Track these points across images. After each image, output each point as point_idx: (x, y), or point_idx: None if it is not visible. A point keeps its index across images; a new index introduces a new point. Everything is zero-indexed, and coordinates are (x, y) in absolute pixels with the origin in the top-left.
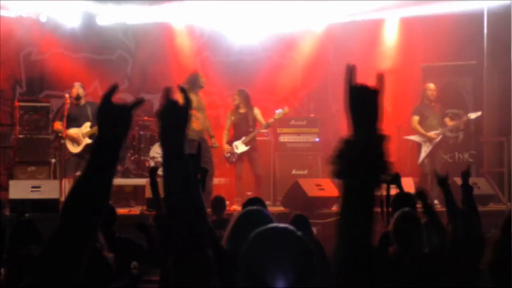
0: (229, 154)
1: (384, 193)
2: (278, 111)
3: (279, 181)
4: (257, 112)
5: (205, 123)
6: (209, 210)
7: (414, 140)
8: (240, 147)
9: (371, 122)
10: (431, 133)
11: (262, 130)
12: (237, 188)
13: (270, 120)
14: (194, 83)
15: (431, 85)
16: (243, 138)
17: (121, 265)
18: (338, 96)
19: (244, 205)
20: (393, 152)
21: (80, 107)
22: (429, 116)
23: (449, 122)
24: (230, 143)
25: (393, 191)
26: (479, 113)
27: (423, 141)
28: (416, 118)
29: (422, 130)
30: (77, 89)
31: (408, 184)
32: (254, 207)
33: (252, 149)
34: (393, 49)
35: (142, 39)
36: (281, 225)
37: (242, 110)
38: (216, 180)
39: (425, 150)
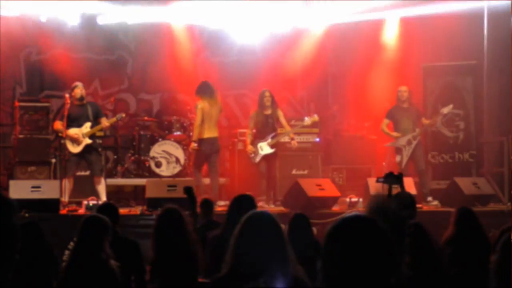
0: (253, 155)
1: (386, 193)
2: (307, 119)
3: (279, 181)
4: (280, 113)
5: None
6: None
7: (394, 146)
8: (265, 148)
9: None
10: (394, 133)
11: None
12: (260, 187)
13: (297, 127)
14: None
15: (403, 87)
16: (269, 140)
17: (123, 267)
18: (338, 96)
19: (234, 202)
20: (394, 152)
21: (80, 107)
22: (401, 119)
23: (425, 121)
24: (253, 143)
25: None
26: (450, 106)
27: (402, 145)
28: (385, 121)
29: (389, 132)
30: (81, 89)
31: (409, 184)
32: (260, 210)
33: (275, 151)
34: (393, 49)
35: (142, 39)
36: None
37: (268, 112)
38: None
39: (406, 154)
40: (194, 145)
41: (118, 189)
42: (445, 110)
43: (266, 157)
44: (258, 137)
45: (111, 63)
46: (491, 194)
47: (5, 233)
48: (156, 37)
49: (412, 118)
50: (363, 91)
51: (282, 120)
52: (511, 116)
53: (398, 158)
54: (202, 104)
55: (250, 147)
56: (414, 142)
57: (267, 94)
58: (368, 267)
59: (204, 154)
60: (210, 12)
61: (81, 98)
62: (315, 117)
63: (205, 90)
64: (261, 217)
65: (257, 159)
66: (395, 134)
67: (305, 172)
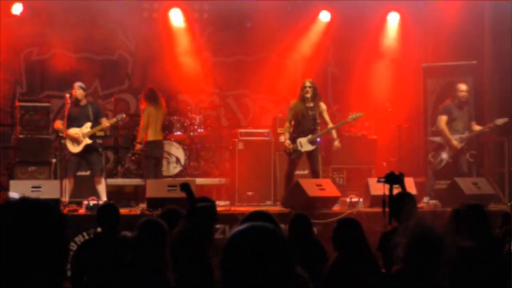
0: (292, 151)
1: (387, 193)
2: (352, 115)
3: (279, 181)
4: (324, 107)
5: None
6: None
7: (438, 141)
8: (305, 145)
9: None
10: (455, 142)
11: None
12: (286, 188)
13: (342, 122)
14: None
15: (463, 86)
16: (310, 136)
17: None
18: (338, 96)
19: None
20: (394, 152)
21: (81, 107)
22: (457, 119)
23: (475, 127)
24: (293, 139)
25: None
26: (506, 119)
27: (446, 142)
28: (444, 118)
29: (449, 135)
30: (76, 91)
31: (409, 184)
32: (259, 210)
33: (317, 147)
34: (393, 49)
35: (142, 39)
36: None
37: (309, 104)
38: (216, 180)
39: (449, 155)
40: (140, 146)
41: (119, 189)
42: (500, 121)
43: (308, 155)
44: (297, 131)
45: (112, 63)
46: (491, 194)
47: (58, 246)
48: (157, 37)
49: (465, 120)
50: (363, 91)
51: (325, 115)
52: (511, 116)
53: (443, 155)
54: (149, 109)
55: (288, 142)
56: (461, 145)
57: (307, 84)
58: (266, 276)
59: (153, 157)
60: (211, 12)
61: (77, 100)
62: (361, 114)
63: (151, 96)
64: (260, 216)
65: (296, 157)
66: (455, 142)
67: (306, 172)
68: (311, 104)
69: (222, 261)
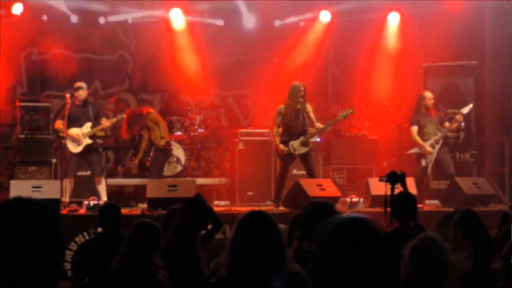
0: (286, 155)
1: (388, 192)
2: (342, 112)
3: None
4: (310, 108)
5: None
6: None
7: (416, 152)
8: (298, 148)
9: None
10: (428, 148)
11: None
12: (277, 189)
13: (333, 121)
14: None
15: (429, 94)
16: (301, 138)
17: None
18: (338, 96)
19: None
20: (394, 152)
21: (81, 107)
22: (426, 125)
23: (447, 124)
24: (285, 142)
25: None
26: (470, 105)
27: (421, 150)
28: (415, 129)
29: (421, 141)
30: (85, 92)
31: (410, 184)
32: (257, 210)
33: (309, 148)
34: (393, 49)
35: (143, 39)
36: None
37: (298, 106)
38: (216, 180)
39: (430, 159)
40: (164, 142)
41: (119, 189)
42: (465, 110)
43: (301, 157)
44: (287, 134)
45: (112, 63)
46: (492, 194)
47: (53, 246)
48: (157, 37)
49: (436, 122)
50: (363, 90)
51: (312, 115)
52: (511, 116)
53: (423, 163)
54: (148, 116)
55: (282, 146)
56: (437, 146)
57: (302, 88)
58: (365, 269)
59: (165, 157)
60: (211, 12)
61: (85, 101)
62: (351, 110)
63: (135, 119)
64: (258, 216)
65: (290, 160)
66: (428, 149)
67: (305, 172)
68: (299, 106)
69: (321, 251)
